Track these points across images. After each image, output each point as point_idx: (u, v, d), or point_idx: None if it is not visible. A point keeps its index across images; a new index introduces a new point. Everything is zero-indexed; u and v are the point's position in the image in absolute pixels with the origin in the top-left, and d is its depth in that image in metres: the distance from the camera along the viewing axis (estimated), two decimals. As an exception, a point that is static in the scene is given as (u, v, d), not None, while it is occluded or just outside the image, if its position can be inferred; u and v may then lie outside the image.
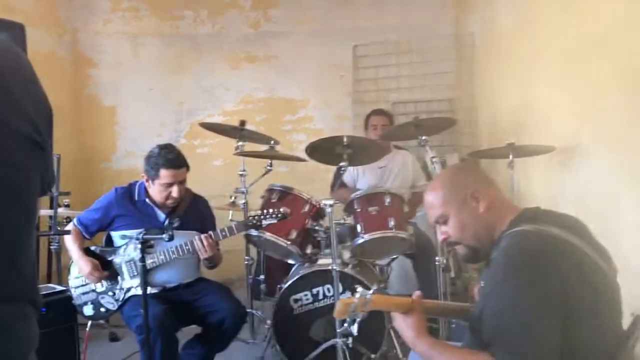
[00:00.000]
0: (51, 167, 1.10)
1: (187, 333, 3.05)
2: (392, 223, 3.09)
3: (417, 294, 1.75)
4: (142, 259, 2.41)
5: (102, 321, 3.14)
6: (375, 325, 2.99)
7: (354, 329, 1.71)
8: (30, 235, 1.05)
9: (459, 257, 2.83)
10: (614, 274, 1.60)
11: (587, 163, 2.88)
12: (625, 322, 1.59)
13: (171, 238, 2.42)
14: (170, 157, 2.84)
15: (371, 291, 1.68)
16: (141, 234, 2.39)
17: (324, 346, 2.94)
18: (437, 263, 3.17)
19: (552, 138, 3.18)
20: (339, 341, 2.79)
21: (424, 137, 3.17)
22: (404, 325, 1.69)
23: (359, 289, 1.69)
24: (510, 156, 3.15)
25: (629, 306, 2.23)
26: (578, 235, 1.55)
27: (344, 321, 1.74)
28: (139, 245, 2.39)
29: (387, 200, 3.17)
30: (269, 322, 3.30)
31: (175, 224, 2.46)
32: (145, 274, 2.45)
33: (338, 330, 2.42)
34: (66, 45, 5.24)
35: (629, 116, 2.44)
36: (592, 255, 1.51)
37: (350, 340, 2.80)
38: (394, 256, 3.59)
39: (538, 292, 1.40)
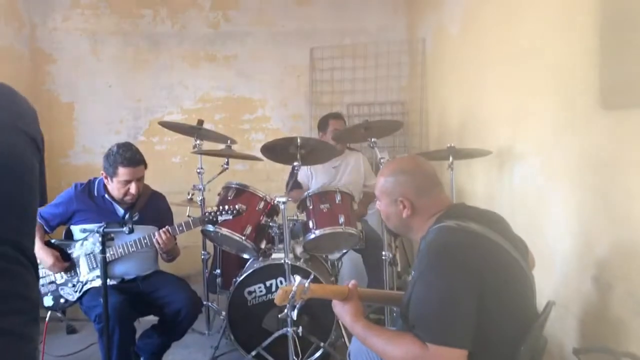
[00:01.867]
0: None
1: (144, 323, 3.17)
2: (342, 219, 3.25)
3: (352, 282, 1.96)
4: (103, 251, 2.52)
5: (59, 314, 3.21)
6: (324, 316, 3.15)
7: (294, 314, 1.88)
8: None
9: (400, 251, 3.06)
10: (528, 265, 1.83)
11: (520, 165, 3.12)
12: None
13: (131, 231, 2.53)
14: (127, 156, 2.95)
15: (309, 280, 1.86)
16: (102, 227, 2.50)
17: (275, 335, 3.07)
18: (384, 258, 3.37)
19: (492, 141, 3.41)
20: (289, 330, 2.93)
21: (373, 139, 3.35)
22: (342, 311, 1.90)
23: (297, 277, 1.86)
24: (450, 158, 3.35)
25: (551, 290, 2.49)
26: (495, 229, 1.77)
27: (284, 308, 1.92)
28: (100, 238, 2.50)
29: (338, 197, 3.32)
30: (223, 313, 3.42)
31: (135, 218, 2.59)
32: (105, 266, 2.56)
33: (279, 316, 2.58)
34: (25, 40, 5.22)
35: (556, 122, 2.67)
36: (507, 248, 1.73)
37: (300, 329, 2.96)
38: (344, 251, 3.74)
39: (455, 279, 1.60)
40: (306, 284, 1.82)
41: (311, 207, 3.34)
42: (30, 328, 1.16)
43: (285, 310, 1.88)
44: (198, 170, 3.82)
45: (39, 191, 1.24)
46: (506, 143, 3.27)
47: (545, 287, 2.34)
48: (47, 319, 3.21)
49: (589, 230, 2.36)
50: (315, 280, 3.15)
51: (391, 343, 1.67)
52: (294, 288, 1.82)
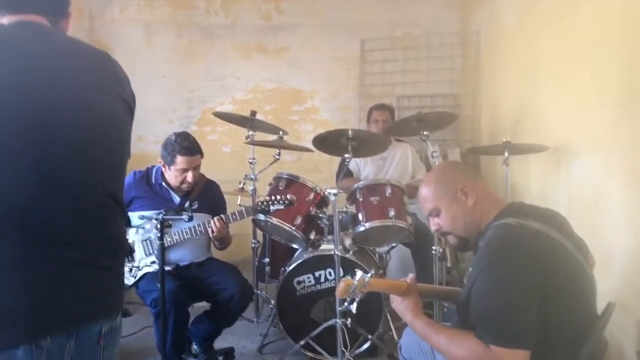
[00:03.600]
0: None
1: (197, 309, 3.25)
2: (392, 213, 3.23)
3: (411, 277, 1.93)
4: (161, 238, 2.59)
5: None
6: (373, 308, 3.17)
7: (353, 307, 1.88)
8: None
9: (450, 246, 3.02)
10: (589, 265, 1.78)
11: (577, 162, 3.04)
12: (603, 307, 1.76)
13: (190, 219, 2.59)
14: (185, 145, 3.02)
15: (369, 274, 1.86)
16: (161, 214, 2.57)
17: (324, 326, 3.09)
18: (433, 252, 3.35)
19: (547, 136, 3.33)
20: (338, 321, 2.93)
21: (425, 132, 3.32)
22: (402, 307, 1.87)
23: (358, 271, 1.86)
24: (506, 153, 3.28)
25: (609, 293, 2.43)
26: (556, 228, 1.72)
27: (344, 301, 1.91)
28: (158, 225, 2.57)
29: (388, 190, 3.31)
30: (272, 302, 3.47)
31: (195, 206, 2.64)
32: (163, 252, 2.63)
33: (339, 309, 2.57)
34: (84, 32, 5.39)
35: (616, 118, 2.59)
36: (568, 247, 1.68)
37: (349, 321, 2.96)
38: (393, 244, 3.73)
39: (517, 279, 1.57)
40: (366, 278, 1.82)
41: (361, 200, 3.34)
42: (119, 263, 1.49)
43: (345, 303, 1.88)
44: (250, 160, 3.87)
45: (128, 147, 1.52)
46: (563, 139, 3.19)
47: (603, 287, 2.27)
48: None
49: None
50: (363, 272, 3.17)
51: (454, 342, 1.65)
52: (355, 282, 1.82)
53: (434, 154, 3.28)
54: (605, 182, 2.72)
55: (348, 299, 1.87)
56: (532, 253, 1.60)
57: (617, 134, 2.59)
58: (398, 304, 1.89)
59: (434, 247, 3.33)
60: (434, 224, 1.92)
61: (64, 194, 1.29)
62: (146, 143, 5.45)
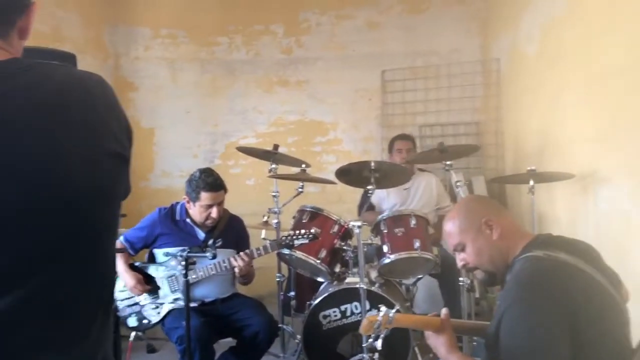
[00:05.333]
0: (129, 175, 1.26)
1: (222, 345, 3.23)
2: (417, 244, 3.21)
3: (444, 312, 1.90)
4: (186, 275, 2.60)
5: (140, 333, 3.33)
6: (400, 342, 3.12)
7: (379, 344, 1.85)
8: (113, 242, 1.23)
9: (477, 281, 2.97)
10: (622, 298, 1.73)
11: (605, 189, 2.99)
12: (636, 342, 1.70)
13: (214, 257, 2.60)
14: (209, 181, 3.05)
15: (394, 309, 1.83)
16: (185, 252, 2.58)
17: (351, 360, 3.07)
18: (461, 284, 3.29)
19: (573, 164, 3.29)
20: (365, 356, 2.90)
21: (448, 162, 3.31)
22: (437, 343, 1.83)
23: (382, 307, 1.84)
24: (531, 182, 3.24)
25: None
26: (587, 260, 1.68)
27: (369, 337, 1.88)
28: (183, 262, 2.59)
29: (413, 222, 3.29)
30: (298, 337, 3.44)
31: (219, 244, 2.65)
32: (188, 289, 2.64)
33: (364, 345, 2.54)
34: (109, 70, 5.53)
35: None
36: (599, 280, 1.64)
37: (376, 355, 2.91)
38: (420, 276, 3.69)
39: (546, 314, 1.53)
40: (391, 314, 1.80)
41: (385, 231, 3.32)
42: None
43: (370, 340, 1.86)
44: (273, 194, 3.87)
45: (128, 187, 1.24)
46: (589, 166, 3.14)
47: (636, 319, 2.21)
48: (130, 338, 3.33)
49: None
50: (389, 305, 3.14)
51: None
52: (379, 318, 1.80)
53: (458, 184, 3.27)
54: (634, 209, 2.67)
55: (373, 335, 1.85)
56: (561, 287, 1.56)
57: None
58: (433, 339, 1.85)
59: (461, 278, 3.28)
60: (460, 259, 1.89)
61: None
62: (171, 178, 5.53)
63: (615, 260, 1.85)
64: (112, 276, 1.23)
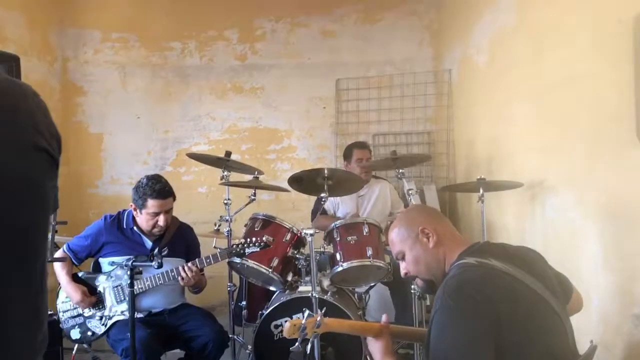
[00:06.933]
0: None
1: (170, 357, 3.14)
2: (370, 252, 3.20)
3: (384, 319, 1.92)
4: (131, 285, 2.51)
5: (85, 345, 3.20)
6: (351, 349, 3.10)
7: (308, 347, 1.86)
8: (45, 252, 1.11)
9: (418, 289, 3.00)
10: (560, 303, 1.73)
11: (552, 198, 3.05)
12: (584, 347, 1.71)
13: (160, 266, 2.52)
14: (157, 188, 2.96)
15: (320, 313, 1.84)
16: (130, 261, 2.50)
17: (302, 370, 3.03)
18: (413, 291, 3.30)
19: (522, 173, 3.36)
20: (315, 365, 2.89)
21: (400, 170, 3.33)
22: (373, 348, 1.88)
23: (307, 311, 1.84)
24: (481, 190, 3.28)
25: (588, 330, 2.40)
26: (518, 265, 1.69)
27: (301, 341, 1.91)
28: (128, 272, 2.50)
29: (366, 229, 3.28)
30: (249, 347, 3.37)
31: (164, 252, 2.58)
32: (133, 299, 2.55)
33: (290, 349, 2.52)
34: (56, 73, 5.36)
35: (589, 155, 2.62)
36: (529, 285, 1.64)
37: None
38: (372, 284, 3.69)
39: (469, 320, 1.54)
40: (318, 318, 1.80)
41: (338, 239, 3.30)
42: None
43: (297, 344, 1.86)
44: (225, 201, 3.81)
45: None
46: (537, 175, 3.21)
47: (582, 326, 2.26)
48: (74, 351, 3.20)
49: (629, 267, 2.28)
50: (341, 313, 3.12)
51: None
52: (303, 322, 1.80)
53: (410, 192, 3.29)
54: (580, 218, 2.73)
55: (299, 339, 1.86)
56: (486, 293, 1.57)
57: (590, 170, 2.60)
58: (371, 344, 1.90)
59: (413, 286, 3.29)
60: (402, 268, 1.92)
61: None
62: (120, 185, 5.39)
63: (561, 267, 1.89)
64: None
